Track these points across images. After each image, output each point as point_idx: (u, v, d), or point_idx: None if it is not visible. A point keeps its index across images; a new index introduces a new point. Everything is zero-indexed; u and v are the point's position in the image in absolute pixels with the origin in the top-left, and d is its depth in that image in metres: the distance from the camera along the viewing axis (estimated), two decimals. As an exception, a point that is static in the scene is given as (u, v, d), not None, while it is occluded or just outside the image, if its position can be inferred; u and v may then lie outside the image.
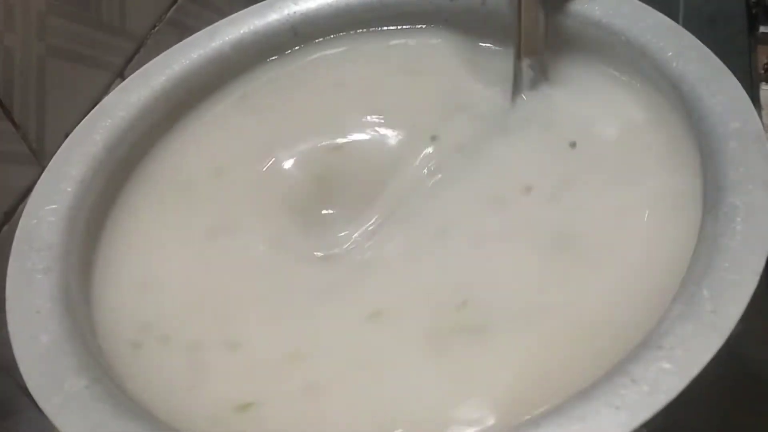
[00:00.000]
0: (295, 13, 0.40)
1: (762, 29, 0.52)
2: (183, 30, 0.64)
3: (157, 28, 0.62)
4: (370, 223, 0.34)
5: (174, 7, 0.64)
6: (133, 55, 0.59)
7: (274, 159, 0.36)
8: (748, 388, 0.39)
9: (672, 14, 0.34)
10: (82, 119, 0.54)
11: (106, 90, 0.56)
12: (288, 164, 0.36)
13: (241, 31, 0.39)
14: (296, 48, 0.41)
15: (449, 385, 0.26)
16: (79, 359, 0.27)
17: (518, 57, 0.35)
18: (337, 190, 0.35)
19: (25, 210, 0.32)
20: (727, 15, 0.52)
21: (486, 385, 0.26)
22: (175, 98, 0.38)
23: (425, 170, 0.34)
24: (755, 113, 0.29)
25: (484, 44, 0.39)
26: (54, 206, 0.32)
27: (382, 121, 0.37)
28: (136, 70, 0.58)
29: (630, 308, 0.27)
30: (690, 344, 0.23)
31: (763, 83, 0.64)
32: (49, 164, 0.34)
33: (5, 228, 0.46)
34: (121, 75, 0.58)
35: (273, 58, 0.40)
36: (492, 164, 0.34)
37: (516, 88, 0.36)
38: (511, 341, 0.27)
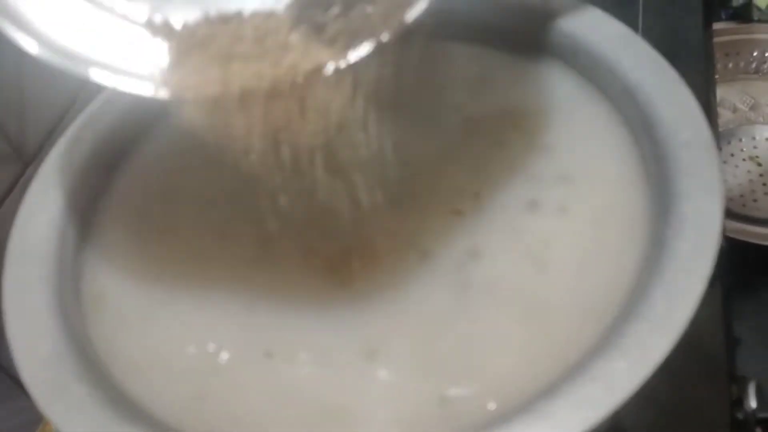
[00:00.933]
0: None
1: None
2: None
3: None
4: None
5: None
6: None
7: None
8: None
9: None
10: (63, 116, 0.55)
11: (84, 84, 0.56)
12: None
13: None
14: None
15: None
16: (80, 366, 0.28)
17: None
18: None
19: (16, 218, 0.33)
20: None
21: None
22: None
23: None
24: (706, 123, 0.31)
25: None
26: (45, 214, 0.33)
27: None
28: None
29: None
30: (645, 344, 0.25)
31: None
32: (39, 171, 0.35)
33: (-10, 224, 0.47)
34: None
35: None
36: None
37: None
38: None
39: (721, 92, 0.70)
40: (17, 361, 0.28)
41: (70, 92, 0.55)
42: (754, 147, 0.68)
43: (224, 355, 0.30)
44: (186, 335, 0.31)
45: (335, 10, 0.28)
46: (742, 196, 0.64)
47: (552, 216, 0.32)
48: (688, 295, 0.26)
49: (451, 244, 0.32)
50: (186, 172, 0.37)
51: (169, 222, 0.35)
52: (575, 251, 0.31)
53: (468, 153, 0.36)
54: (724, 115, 0.71)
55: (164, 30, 0.29)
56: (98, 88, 0.49)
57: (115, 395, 0.28)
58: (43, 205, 0.34)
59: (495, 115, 0.37)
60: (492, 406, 0.27)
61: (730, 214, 0.60)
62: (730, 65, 0.73)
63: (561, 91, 0.37)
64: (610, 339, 0.26)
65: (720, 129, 0.68)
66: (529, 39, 0.38)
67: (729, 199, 0.62)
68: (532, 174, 0.34)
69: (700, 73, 0.54)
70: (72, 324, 0.30)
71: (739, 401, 0.41)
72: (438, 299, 0.31)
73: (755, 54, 0.73)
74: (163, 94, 0.27)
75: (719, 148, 0.64)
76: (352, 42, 0.27)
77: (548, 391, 0.25)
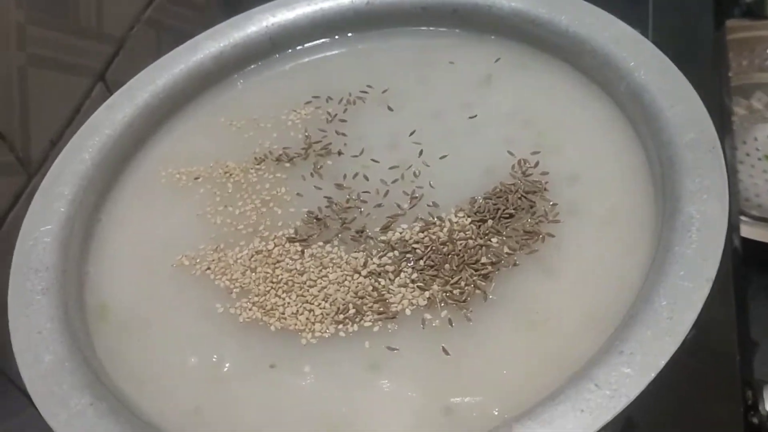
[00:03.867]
0: (272, 24, 0.41)
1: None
2: (160, 29, 0.65)
3: (135, 29, 0.62)
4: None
5: (151, 7, 0.64)
6: (113, 58, 0.60)
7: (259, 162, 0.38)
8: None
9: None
10: (66, 126, 0.55)
11: (88, 94, 0.57)
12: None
13: (221, 45, 0.40)
14: (275, 56, 0.42)
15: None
16: (82, 377, 0.28)
17: None
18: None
19: (21, 231, 0.34)
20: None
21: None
22: (158, 111, 0.39)
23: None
24: (711, 123, 0.30)
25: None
26: (48, 227, 0.33)
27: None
28: (117, 72, 0.59)
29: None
30: (648, 349, 0.25)
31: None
32: (42, 184, 0.35)
33: (-2, 235, 0.47)
34: (102, 78, 0.58)
35: (251, 67, 0.42)
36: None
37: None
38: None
39: (736, 90, 0.69)
40: (22, 372, 0.29)
41: (72, 101, 0.56)
42: (771, 146, 0.67)
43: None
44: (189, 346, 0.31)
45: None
46: (757, 195, 0.63)
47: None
48: (692, 299, 0.26)
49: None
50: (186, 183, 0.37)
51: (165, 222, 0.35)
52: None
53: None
54: (739, 114, 0.70)
55: None
56: (101, 98, 0.50)
57: (116, 405, 0.27)
58: (46, 217, 0.34)
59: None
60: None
61: (746, 215, 0.59)
62: (745, 63, 0.72)
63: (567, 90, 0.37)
64: (614, 345, 0.25)
65: (734, 128, 0.67)
66: (536, 39, 0.38)
67: (744, 200, 0.61)
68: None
69: (713, 71, 0.54)
70: (75, 335, 0.30)
71: (754, 406, 0.41)
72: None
73: (770, 51, 0.71)
74: None
75: (734, 148, 0.63)
76: None
77: (553, 397, 0.25)
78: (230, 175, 0.37)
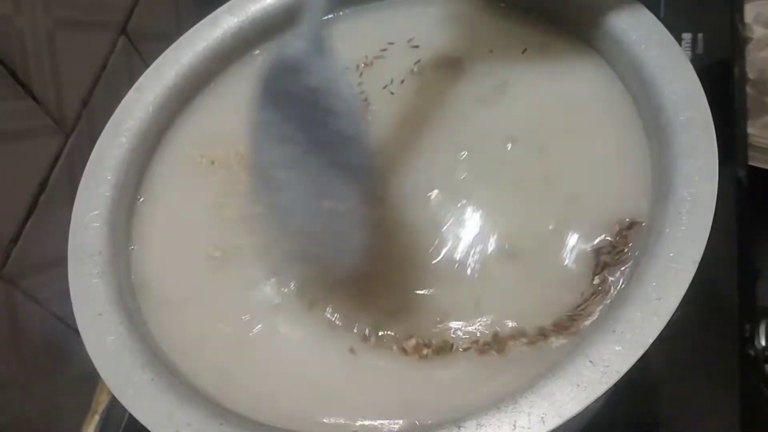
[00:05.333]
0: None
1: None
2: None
3: (150, -23, 0.63)
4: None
5: (166, -46, 0.65)
6: (132, 9, 0.61)
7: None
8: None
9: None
10: (95, 84, 0.58)
11: (112, 49, 0.59)
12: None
13: (240, 19, 0.42)
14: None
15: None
16: (142, 355, 0.32)
17: None
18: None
19: (72, 217, 0.37)
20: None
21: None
22: (186, 90, 0.41)
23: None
24: (706, 102, 0.32)
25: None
26: (96, 212, 0.37)
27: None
28: (137, 24, 0.60)
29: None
30: (637, 328, 0.28)
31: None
32: (86, 169, 0.38)
33: (42, 197, 0.51)
34: (124, 31, 0.60)
35: (271, 39, 0.43)
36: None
37: None
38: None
39: (756, 6, 0.68)
40: (90, 353, 0.32)
41: (98, 58, 0.57)
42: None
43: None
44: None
45: None
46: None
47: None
48: (679, 280, 0.28)
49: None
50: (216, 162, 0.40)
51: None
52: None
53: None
54: (758, 32, 0.69)
55: None
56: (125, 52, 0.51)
57: (173, 380, 0.31)
58: (93, 202, 0.37)
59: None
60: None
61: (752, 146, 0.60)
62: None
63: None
64: (607, 324, 0.28)
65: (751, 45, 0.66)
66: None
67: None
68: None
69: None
70: (131, 315, 0.34)
71: (751, 339, 0.44)
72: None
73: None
74: None
75: (746, 75, 0.63)
76: None
77: (553, 372, 0.28)
78: None
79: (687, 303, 0.28)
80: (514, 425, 0.27)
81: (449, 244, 0.34)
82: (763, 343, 0.43)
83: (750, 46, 0.67)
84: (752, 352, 0.44)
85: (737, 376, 0.43)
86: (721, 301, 0.45)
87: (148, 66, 0.41)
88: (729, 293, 0.45)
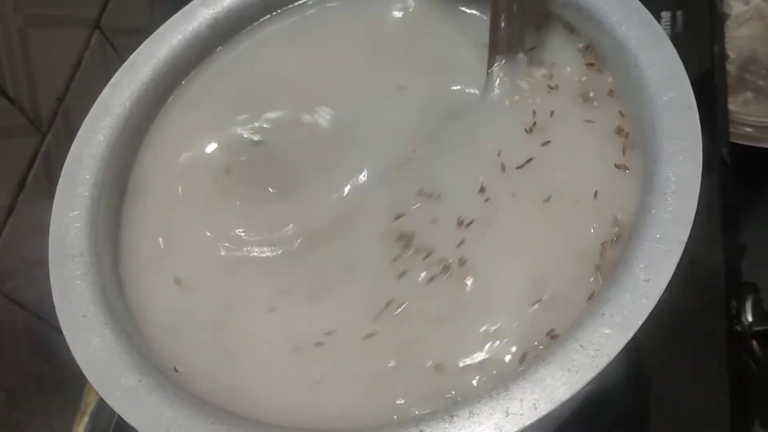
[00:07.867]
0: (263, -16, 0.42)
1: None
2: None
3: (123, -29, 0.62)
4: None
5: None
6: (106, 3, 0.60)
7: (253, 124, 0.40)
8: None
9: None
10: (70, 80, 0.57)
11: (86, 45, 0.58)
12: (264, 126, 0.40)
13: (215, 11, 0.41)
14: (266, 17, 0.43)
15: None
16: (129, 357, 0.32)
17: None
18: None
19: (52, 218, 0.36)
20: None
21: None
22: (163, 84, 0.41)
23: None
24: (688, 82, 0.32)
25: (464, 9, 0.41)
26: (76, 212, 0.36)
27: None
28: (111, 18, 0.59)
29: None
30: (626, 311, 0.28)
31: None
32: (63, 168, 0.38)
33: (20, 197, 0.50)
34: (98, 26, 0.59)
35: (246, 29, 0.43)
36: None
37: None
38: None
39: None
40: (75, 356, 0.32)
41: (73, 55, 0.57)
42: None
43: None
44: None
45: None
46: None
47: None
48: (667, 262, 0.28)
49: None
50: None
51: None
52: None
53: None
54: (736, 8, 0.69)
55: None
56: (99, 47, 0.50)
57: (162, 380, 0.31)
58: (72, 202, 0.36)
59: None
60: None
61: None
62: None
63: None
64: (597, 308, 0.28)
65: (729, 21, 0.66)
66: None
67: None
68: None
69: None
70: (117, 315, 0.33)
71: (738, 315, 0.44)
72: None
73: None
74: None
75: (726, 52, 0.63)
76: None
77: (543, 357, 0.28)
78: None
79: (673, 281, 0.28)
80: (507, 412, 0.27)
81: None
82: (750, 318, 0.44)
83: (728, 23, 0.67)
84: (739, 328, 0.44)
85: (725, 352, 0.43)
86: (708, 278, 0.45)
87: (123, 61, 0.41)
88: (715, 270, 0.46)
